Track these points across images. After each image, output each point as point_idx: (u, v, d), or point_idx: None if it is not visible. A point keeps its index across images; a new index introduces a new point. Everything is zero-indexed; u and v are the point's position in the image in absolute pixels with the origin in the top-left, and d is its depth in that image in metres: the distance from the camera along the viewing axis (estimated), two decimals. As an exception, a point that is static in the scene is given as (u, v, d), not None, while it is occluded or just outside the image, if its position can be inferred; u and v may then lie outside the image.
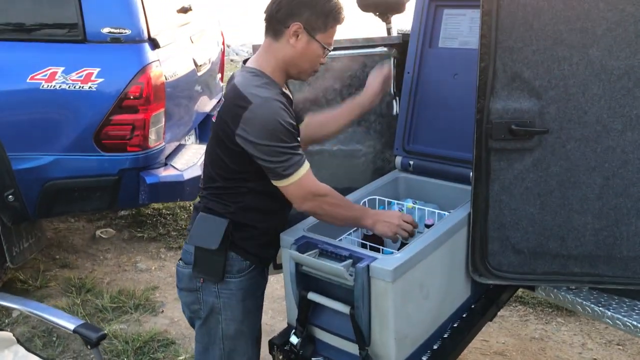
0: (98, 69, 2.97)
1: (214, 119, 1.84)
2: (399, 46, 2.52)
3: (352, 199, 2.22)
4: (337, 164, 2.58)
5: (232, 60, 9.34)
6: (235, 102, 1.68)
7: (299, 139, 1.75)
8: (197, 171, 3.41)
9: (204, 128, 4.35)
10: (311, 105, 2.47)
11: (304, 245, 1.87)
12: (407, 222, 1.85)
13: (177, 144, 3.67)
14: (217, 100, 4.59)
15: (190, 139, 4.14)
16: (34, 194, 3.04)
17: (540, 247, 2.01)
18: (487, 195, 2.00)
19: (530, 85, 1.89)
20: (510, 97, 1.90)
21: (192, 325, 1.96)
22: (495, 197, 1.99)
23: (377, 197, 2.25)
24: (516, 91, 1.90)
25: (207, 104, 4.30)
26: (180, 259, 1.90)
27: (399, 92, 2.51)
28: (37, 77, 2.95)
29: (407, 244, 1.86)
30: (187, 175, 3.29)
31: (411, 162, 2.40)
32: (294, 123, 1.72)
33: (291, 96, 1.86)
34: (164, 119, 3.22)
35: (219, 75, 4.59)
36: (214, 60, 4.32)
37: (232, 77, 1.80)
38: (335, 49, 2.45)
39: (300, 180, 1.70)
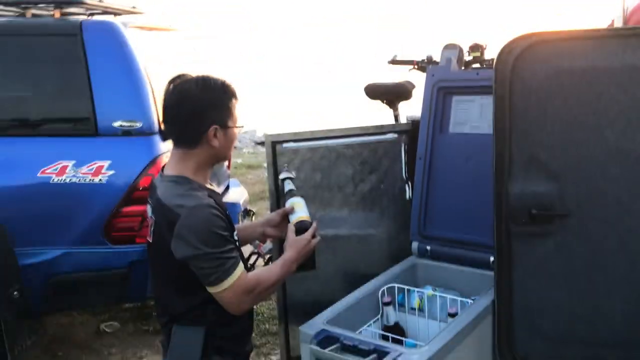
0: (109, 162, 2.97)
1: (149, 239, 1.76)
2: (409, 132, 2.55)
3: (369, 289, 2.16)
4: (352, 249, 2.54)
5: (234, 147, 9.45)
6: (164, 219, 1.63)
7: (233, 237, 1.68)
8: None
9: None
10: (323, 191, 2.47)
11: (324, 339, 1.80)
12: (312, 238, 1.82)
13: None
14: (225, 188, 4.59)
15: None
16: (39, 289, 2.96)
17: (569, 333, 1.93)
18: (510, 281, 1.94)
19: (547, 167, 1.88)
20: (528, 180, 1.89)
21: None
22: (519, 283, 1.94)
23: (396, 285, 2.18)
24: (533, 174, 1.89)
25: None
26: None
27: (411, 178, 2.51)
28: (48, 171, 2.94)
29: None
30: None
31: (428, 248, 2.36)
32: (225, 225, 1.64)
33: (216, 189, 1.82)
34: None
35: (226, 163, 4.60)
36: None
37: (152, 186, 1.75)
38: (346, 136, 2.48)
39: (234, 284, 1.61)
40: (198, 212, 1.60)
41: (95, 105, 2.99)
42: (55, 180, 2.93)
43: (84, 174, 2.96)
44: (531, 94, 1.86)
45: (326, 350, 1.72)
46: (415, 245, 2.41)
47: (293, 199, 2.01)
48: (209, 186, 1.76)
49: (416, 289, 2.21)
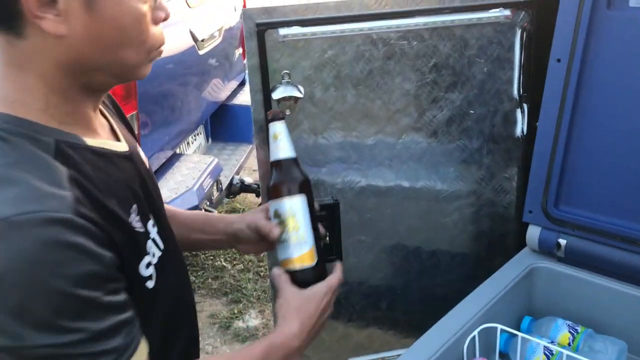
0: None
1: None
2: (535, 6, 1.30)
3: (443, 332, 1.07)
4: (410, 223, 1.43)
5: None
6: None
7: (139, 274, 0.75)
8: (193, 200, 2.35)
9: (218, 120, 3.30)
10: (360, 121, 1.31)
11: None
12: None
13: (169, 153, 2.60)
14: (239, 83, 3.54)
15: (198, 140, 3.08)
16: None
17: None
18: None
19: None
20: None
21: None
22: None
23: (498, 327, 1.07)
24: None
25: (220, 91, 3.24)
26: None
27: (535, 97, 1.30)
28: None
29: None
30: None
31: (562, 242, 1.20)
32: (103, 267, 0.66)
33: (122, 145, 0.81)
34: (137, 125, 2.15)
35: (239, 51, 3.46)
36: (229, 31, 3.19)
37: None
38: (405, 15, 1.26)
39: None
40: (20, 240, 0.62)
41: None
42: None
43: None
44: None
45: None
46: (534, 232, 1.24)
47: (282, 201, 0.92)
48: (92, 142, 0.74)
49: (537, 340, 1.08)
